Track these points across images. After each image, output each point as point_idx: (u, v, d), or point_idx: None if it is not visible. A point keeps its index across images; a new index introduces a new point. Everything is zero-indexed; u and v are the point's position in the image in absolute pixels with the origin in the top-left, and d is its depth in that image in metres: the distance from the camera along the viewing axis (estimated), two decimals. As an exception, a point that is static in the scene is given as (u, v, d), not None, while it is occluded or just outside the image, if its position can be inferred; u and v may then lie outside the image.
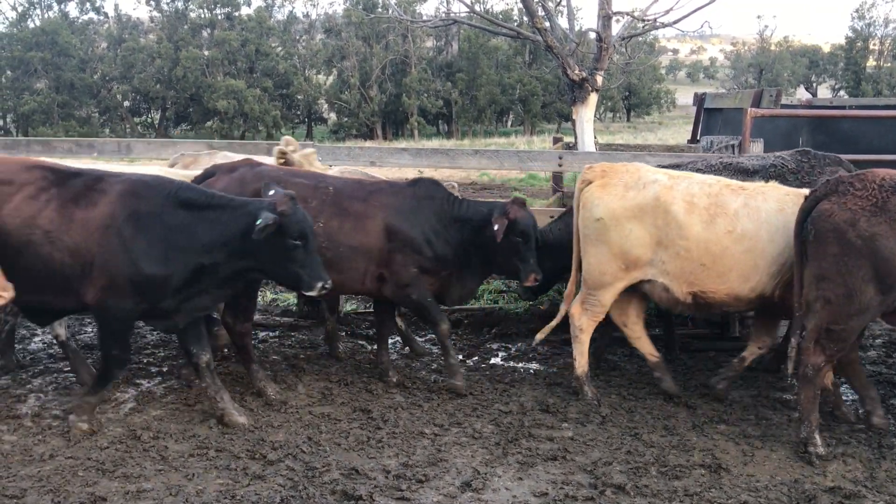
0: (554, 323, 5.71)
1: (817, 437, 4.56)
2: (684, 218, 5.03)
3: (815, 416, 4.61)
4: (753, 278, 4.99)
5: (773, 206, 4.99)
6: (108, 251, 4.48)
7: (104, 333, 4.77)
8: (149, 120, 57.47)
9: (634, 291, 5.42)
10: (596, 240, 5.26)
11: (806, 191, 4.93)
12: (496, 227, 5.23)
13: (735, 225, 4.97)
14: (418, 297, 5.45)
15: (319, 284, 4.64)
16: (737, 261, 4.97)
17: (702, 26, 13.38)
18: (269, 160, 6.23)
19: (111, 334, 4.70)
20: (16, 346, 6.44)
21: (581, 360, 5.46)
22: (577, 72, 10.38)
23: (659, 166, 5.91)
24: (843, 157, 6.12)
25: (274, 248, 4.52)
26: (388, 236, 5.34)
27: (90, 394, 4.86)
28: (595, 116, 11.59)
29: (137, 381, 5.71)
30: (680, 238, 5.04)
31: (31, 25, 53.44)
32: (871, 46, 63.86)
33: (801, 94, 57.03)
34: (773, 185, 5.21)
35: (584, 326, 5.45)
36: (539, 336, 5.75)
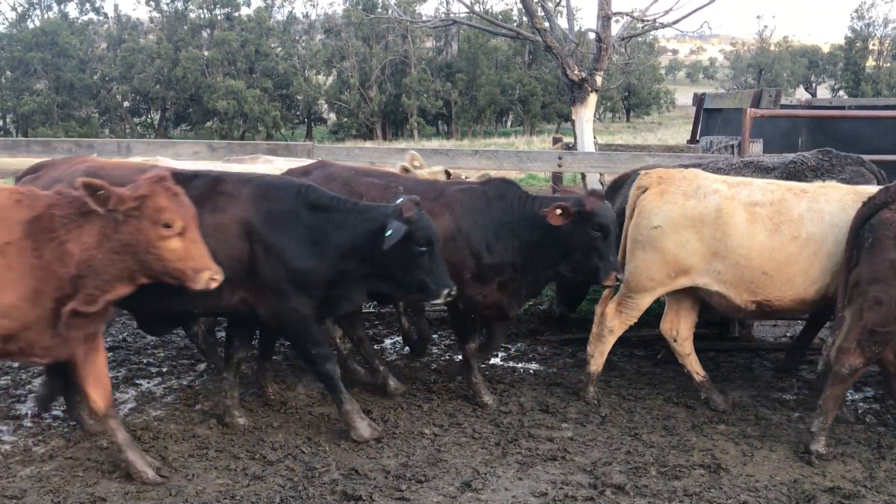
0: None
1: (824, 437, 4.58)
2: (747, 228, 4.97)
3: (832, 416, 4.63)
4: (820, 281, 4.96)
5: (836, 206, 4.95)
6: (257, 258, 4.43)
7: (291, 339, 4.75)
8: (148, 120, 57.51)
9: (687, 306, 5.40)
10: (649, 246, 5.18)
11: (867, 188, 4.97)
12: (557, 213, 4.84)
13: (800, 230, 4.93)
14: (464, 309, 5.19)
15: (446, 291, 4.50)
16: (803, 266, 4.94)
17: (701, 26, 13.36)
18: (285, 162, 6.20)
19: (297, 336, 4.66)
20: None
21: (598, 359, 5.42)
22: (576, 72, 10.38)
23: (681, 166, 5.91)
24: None
25: (400, 254, 4.41)
26: (453, 237, 5.06)
27: (340, 403, 4.72)
28: (595, 117, 11.57)
29: (137, 382, 5.71)
30: (741, 248, 4.97)
31: (31, 26, 53.50)
32: (871, 46, 63.95)
33: (801, 94, 57.06)
34: (833, 185, 5.18)
35: (614, 328, 5.40)
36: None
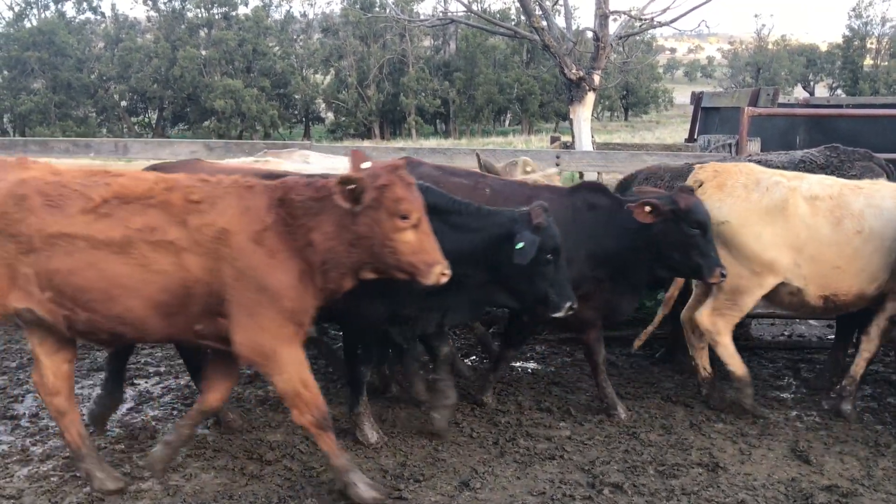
0: (651, 329, 5.59)
1: None
2: (812, 221, 4.95)
3: None
4: (880, 276, 4.97)
5: (891, 203, 4.96)
6: None
7: (348, 336, 4.69)
8: (146, 120, 57.51)
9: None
10: (721, 243, 5.01)
11: None
12: (646, 210, 4.59)
13: (862, 225, 4.93)
14: (530, 321, 5.00)
15: (567, 304, 4.29)
16: (868, 261, 4.94)
17: (699, 25, 13.43)
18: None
19: (355, 337, 4.63)
20: (15, 346, 6.45)
21: (735, 361, 5.16)
22: (574, 71, 10.40)
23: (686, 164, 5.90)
24: None
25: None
26: None
27: (355, 405, 4.66)
28: (593, 115, 11.60)
29: (135, 382, 5.70)
30: (811, 240, 4.95)
31: (28, 25, 53.45)
32: (869, 45, 64.06)
33: (799, 92, 57.12)
34: (883, 183, 5.20)
35: (721, 329, 5.15)
36: (637, 343, 5.64)
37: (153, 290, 3.68)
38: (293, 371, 3.75)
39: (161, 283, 3.67)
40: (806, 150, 6.21)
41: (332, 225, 3.70)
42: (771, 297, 5.23)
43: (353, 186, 3.59)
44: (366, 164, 3.83)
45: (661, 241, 4.73)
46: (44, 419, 4.96)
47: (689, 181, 5.30)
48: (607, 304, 5.04)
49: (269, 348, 3.72)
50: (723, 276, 4.74)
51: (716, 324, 5.17)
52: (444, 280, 3.76)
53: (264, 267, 3.67)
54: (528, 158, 6.47)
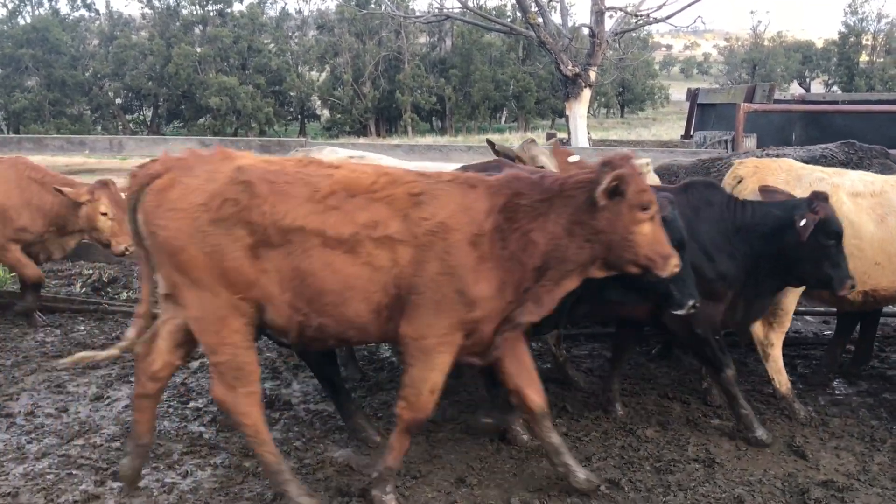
0: None
1: None
2: (855, 217, 4.88)
3: None
4: None
5: None
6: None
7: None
8: (141, 117, 57.28)
9: None
10: None
11: None
12: (802, 224, 4.38)
13: None
14: (702, 332, 4.65)
15: (690, 302, 4.11)
16: None
17: (695, 21, 13.45)
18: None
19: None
20: (10, 344, 6.43)
21: (781, 377, 5.03)
22: (570, 67, 10.40)
23: (697, 161, 5.86)
24: None
25: None
26: None
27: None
28: (589, 112, 11.63)
29: (131, 380, 5.69)
30: (853, 237, 4.85)
31: (22, 22, 53.14)
32: (864, 42, 64.11)
33: (795, 89, 57.21)
34: None
35: (773, 340, 5.04)
36: None
37: (375, 290, 3.54)
38: (433, 375, 3.64)
39: (381, 281, 3.54)
40: (824, 146, 6.17)
41: (561, 223, 3.55)
42: (808, 293, 5.12)
43: (615, 183, 3.43)
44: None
45: (794, 250, 4.53)
46: (39, 417, 4.95)
47: (729, 177, 5.22)
48: (739, 310, 4.90)
49: (429, 345, 3.59)
50: (852, 287, 4.59)
51: (768, 335, 5.07)
52: (677, 272, 3.68)
53: (472, 273, 3.53)
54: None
